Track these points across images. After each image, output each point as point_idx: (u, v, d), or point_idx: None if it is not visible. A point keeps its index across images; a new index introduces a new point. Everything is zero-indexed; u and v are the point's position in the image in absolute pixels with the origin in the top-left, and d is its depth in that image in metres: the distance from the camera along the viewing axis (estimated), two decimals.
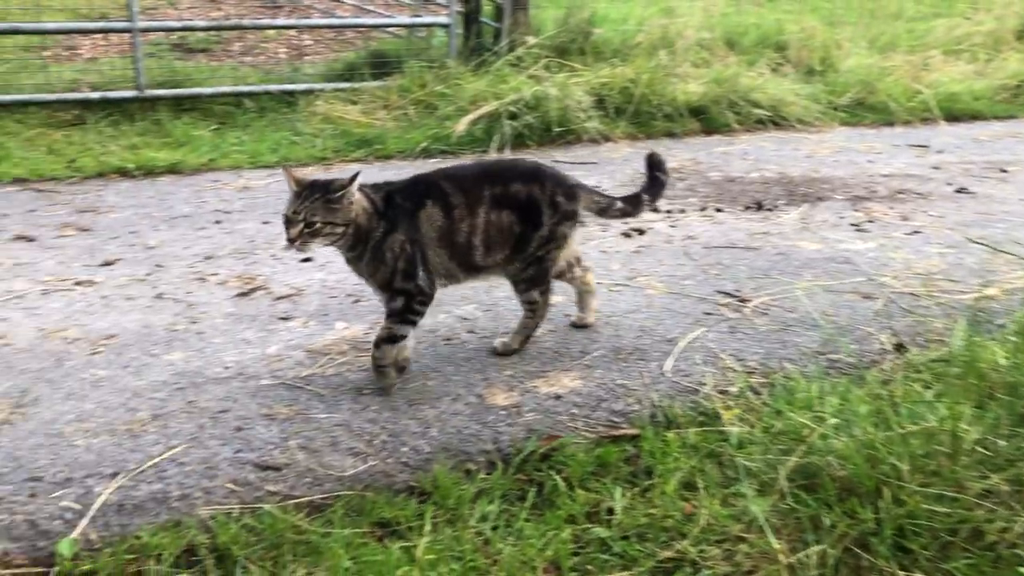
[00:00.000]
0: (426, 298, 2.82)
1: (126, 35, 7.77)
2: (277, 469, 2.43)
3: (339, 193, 2.65)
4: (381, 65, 7.03)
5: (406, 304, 2.79)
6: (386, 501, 2.31)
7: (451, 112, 6.28)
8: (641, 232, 4.36)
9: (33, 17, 7.48)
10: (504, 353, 3.05)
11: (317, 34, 8.65)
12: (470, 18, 7.11)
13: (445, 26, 7.11)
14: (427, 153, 5.88)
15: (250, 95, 6.69)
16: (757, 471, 2.28)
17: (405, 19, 7.96)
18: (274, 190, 5.12)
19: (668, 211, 4.68)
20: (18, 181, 5.18)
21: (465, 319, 3.38)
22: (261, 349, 3.12)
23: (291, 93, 6.70)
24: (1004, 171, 5.58)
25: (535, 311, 3.05)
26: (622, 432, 2.62)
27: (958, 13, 9.82)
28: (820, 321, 3.22)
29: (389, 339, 2.80)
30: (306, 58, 8.21)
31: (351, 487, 2.38)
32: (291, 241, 2.66)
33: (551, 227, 2.94)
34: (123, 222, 4.48)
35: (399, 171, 5.51)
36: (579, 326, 3.26)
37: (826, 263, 3.94)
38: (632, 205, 3.21)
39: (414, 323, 2.84)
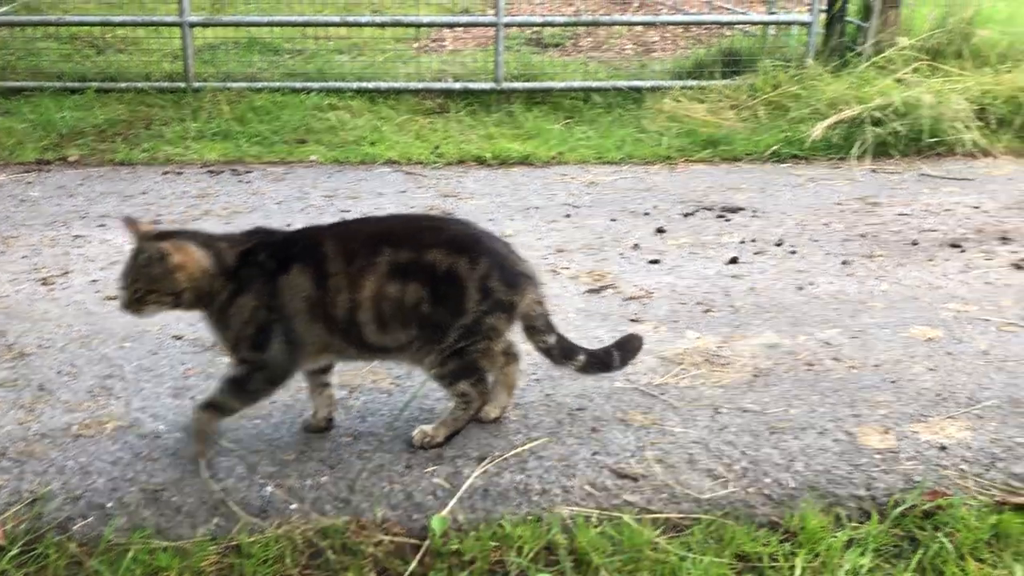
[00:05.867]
0: (275, 375, 2.37)
1: (487, 29, 8.27)
2: (634, 479, 2.38)
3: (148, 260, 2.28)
4: (732, 63, 6.84)
5: (246, 376, 2.37)
6: (747, 534, 2.18)
7: (805, 115, 5.97)
8: None
9: (406, 11, 8.15)
10: (422, 446, 2.48)
11: (664, 31, 8.61)
12: (833, 16, 6.69)
13: (805, 24, 6.76)
14: (777, 157, 5.63)
15: (598, 91, 6.80)
16: None
17: (763, 16, 7.66)
18: (620, 187, 5.15)
19: None
20: (390, 163, 5.64)
21: (829, 344, 3.14)
22: None
23: (638, 90, 6.72)
24: None
25: (468, 403, 2.47)
26: None
27: None
28: None
29: (213, 407, 2.41)
30: (653, 55, 8.20)
31: (709, 511, 2.27)
32: (123, 308, 2.34)
33: (476, 316, 2.34)
34: (482, 209, 4.71)
35: (746, 175, 5.35)
36: (479, 420, 2.58)
37: None
38: (590, 354, 2.54)
39: (252, 400, 2.43)
